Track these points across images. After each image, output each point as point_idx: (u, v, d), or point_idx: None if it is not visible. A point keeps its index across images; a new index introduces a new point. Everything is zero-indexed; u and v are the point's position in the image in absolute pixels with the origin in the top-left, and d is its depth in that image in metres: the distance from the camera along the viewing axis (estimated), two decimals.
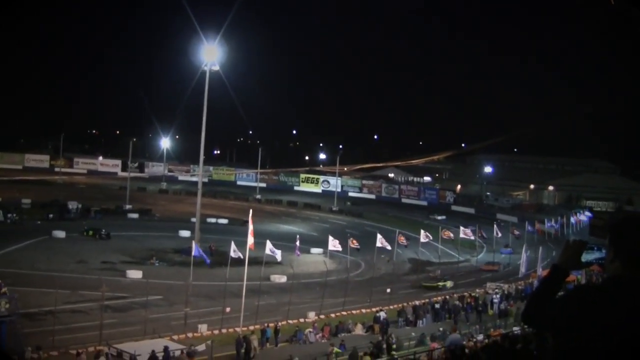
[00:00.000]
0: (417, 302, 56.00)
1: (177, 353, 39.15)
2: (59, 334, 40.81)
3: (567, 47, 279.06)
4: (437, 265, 79.48)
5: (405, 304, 54.42)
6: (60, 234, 79.62)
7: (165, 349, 37.68)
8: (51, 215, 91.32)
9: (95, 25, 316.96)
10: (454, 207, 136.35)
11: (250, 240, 46.82)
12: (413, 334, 46.96)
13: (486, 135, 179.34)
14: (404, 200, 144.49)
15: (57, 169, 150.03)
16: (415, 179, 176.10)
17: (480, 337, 41.92)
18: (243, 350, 39.96)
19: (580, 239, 4.89)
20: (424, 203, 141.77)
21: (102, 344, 38.27)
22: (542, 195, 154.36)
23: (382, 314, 50.49)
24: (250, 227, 46.96)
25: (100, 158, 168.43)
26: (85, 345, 37.95)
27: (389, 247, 69.93)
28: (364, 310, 54.93)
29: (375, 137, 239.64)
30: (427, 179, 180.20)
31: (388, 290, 61.65)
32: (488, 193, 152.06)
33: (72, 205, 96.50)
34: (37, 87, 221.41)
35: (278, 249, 53.55)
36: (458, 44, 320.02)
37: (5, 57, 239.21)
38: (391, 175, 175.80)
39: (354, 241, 71.17)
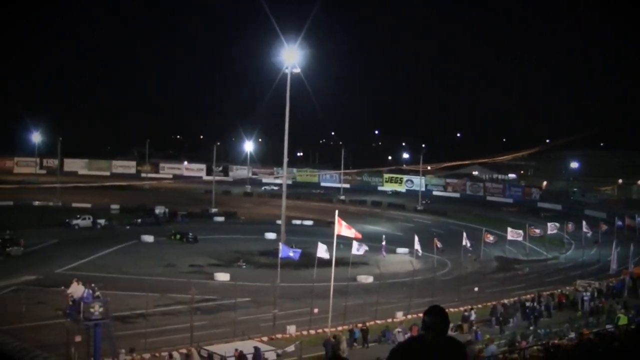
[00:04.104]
0: (505, 301, 55.17)
1: (268, 354, 39.44)
2: (150, 336, 41.39)
3: None
4: (525, 263, 78.42)
5: (495, 303, 53.59)
6: (148, 238, 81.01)
7: (256, 349, 37.90)
8: (139, 220, 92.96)
9: (179, 32, 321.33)
10: (540, 204, 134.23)
11: (350, 232, 46.47)
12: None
13: (571, 131, 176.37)
14: (489, 198, 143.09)
15: (143, 175, 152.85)
16: (499, 177, 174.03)
17: (572, 335, 41.13)
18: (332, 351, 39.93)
19: None
20: (509, 200, 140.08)
21: (193, 346, 38.63)
22: (631, 190, 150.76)
23: (472, 314, 49.96)
24: (343, 223, 46.45)
25: (185, 163, 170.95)
26: (176, 347, 38.34)
27: (469, 246, 69.28)
28: (452, 310, 54.37)
29: (458, 134, 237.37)
30: (511, 176, 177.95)
31: (476, 289, 61.03)
32: (575, 189, 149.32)
33: (159, 209, 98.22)
34: (122, 94, 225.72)
35: (366, 247, 53.28)
36: (539, 37, 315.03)
37: (93, 65, 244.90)
38: (475, 173, 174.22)
39: (437, 242, 70.80)
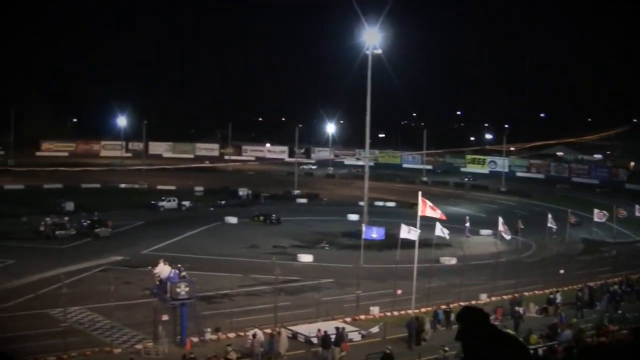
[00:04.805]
0: (592, 284, 54.19)
1: (351, 335, 39.61)
2: (235, 316, 41.93)
3: None
4: (612, 245, 76.93)
5: (581, 286, 52.70)
6: (232, 219, 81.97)
7: (338, 330, 38.02)
8: (223, 202, 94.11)
9: (260, 15, 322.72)
10: (628, 185, 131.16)
11: (436, 213, 46.35)
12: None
13: None
14: (574, 179, 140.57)
15: (226, 157, 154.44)
16: (584, 157, 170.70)
17: None
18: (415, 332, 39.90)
19: None
20: (595, 181, 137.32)
21: (278, 326, 38.97)
22: None
23: (557, 296, 49.27)
24: (428, 203, 46.23)
25: (268, 145, 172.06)
26: (261, 327, 38.66)
27: (554, 228, 68.29)
28: (536, 292, 53.78)
29: (542, 115, 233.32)
30: (597, 156, 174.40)
31: (561, 271, 60.17)
32: None
33: (243, 191, 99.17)
34: (205, 78, 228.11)
35: (447, 230, 52.77)
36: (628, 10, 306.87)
37: (177, 50, 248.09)
38: (560, 154, 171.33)
39: (520, 223, 70.22)
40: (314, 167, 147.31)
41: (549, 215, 68.93)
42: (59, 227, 69.99)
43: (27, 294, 46.94)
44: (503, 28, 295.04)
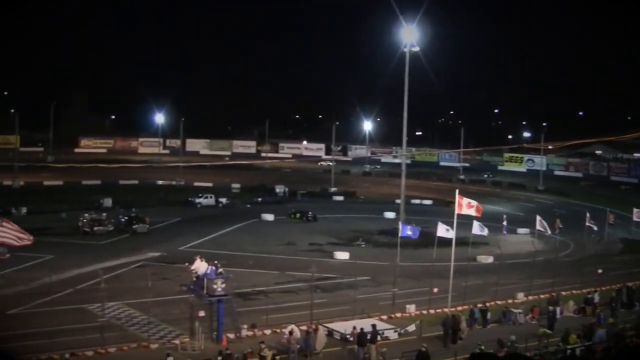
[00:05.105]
0: (630, 284, 53.56)
1: (387, 333, 39.53)
2: (271, 313, 41.98)
3: None
4: None
5: (620, 285, 52.10)
6: (269, 217, 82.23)
7: (373, 327, 37.88)
8: (260, 199, 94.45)
9: (296, 13, 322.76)
10: None
11: (471, 210, 45.96)
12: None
13: None
14: (613, 178, 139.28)
15: (263, 154, 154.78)
16: (624, 156, 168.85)
17: None
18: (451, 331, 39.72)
19: None
20: (634, 180, 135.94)
21: (314, 323, 38.97)
22: None
23: (595, 296, 48.75)
24: (465, 201, 45.88)
25: (305, 142, 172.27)
26: (297, 324, 38.64)
27: (595, 227, 67.66)
28: (574, 292, 53.27)
29: (581, 113, 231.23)
30: (637, 155, 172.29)
31: (599, 271, 59.51)
32: None
33: (280, 189, 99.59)
34: (242, 75, 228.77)
35: (485, 229, 52.30)
36: None
37: (214, 48, 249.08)
38: (598, 152, 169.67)
39: (559, 223, 69.62)
40: (332, 163, 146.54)
41: (587, 215, 68.31)
42: (97, 223, 70.65)
43: (66, 289, 47.32)
44: (540, 26, 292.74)
